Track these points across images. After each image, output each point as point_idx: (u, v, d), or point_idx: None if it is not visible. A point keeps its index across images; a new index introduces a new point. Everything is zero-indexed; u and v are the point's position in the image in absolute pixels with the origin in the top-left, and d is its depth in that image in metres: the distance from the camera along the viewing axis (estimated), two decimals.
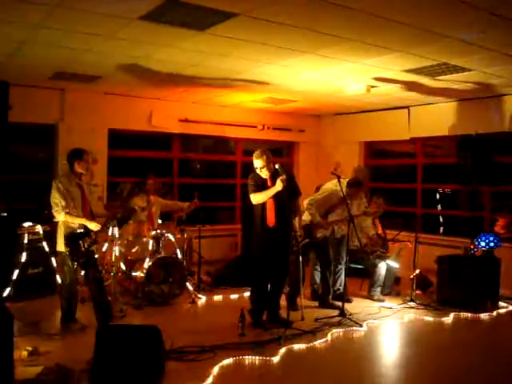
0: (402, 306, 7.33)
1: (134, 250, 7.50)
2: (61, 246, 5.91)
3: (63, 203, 5.78)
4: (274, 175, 6.16)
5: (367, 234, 8.09)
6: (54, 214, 5.85)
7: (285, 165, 6.44)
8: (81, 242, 5.75)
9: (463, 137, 8.63)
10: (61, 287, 6.24)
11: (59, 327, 5.99)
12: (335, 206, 7.27)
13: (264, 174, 6.19)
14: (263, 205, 6.18)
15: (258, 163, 6.17)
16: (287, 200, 6.07)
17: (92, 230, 5.86)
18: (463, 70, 6.82)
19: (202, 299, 7.60)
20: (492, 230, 8.56)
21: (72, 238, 5.78)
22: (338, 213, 7.29)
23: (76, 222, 5.82)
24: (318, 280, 7.49)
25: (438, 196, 10.34)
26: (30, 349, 5.05)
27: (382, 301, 7.57)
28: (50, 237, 7.73)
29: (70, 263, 5.89)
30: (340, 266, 7.50)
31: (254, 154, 6.23)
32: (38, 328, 5.94)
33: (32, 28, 5.41)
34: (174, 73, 7.42)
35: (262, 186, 6.23)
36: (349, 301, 7.40)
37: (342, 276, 7.47)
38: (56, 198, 5.81)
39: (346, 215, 6.91)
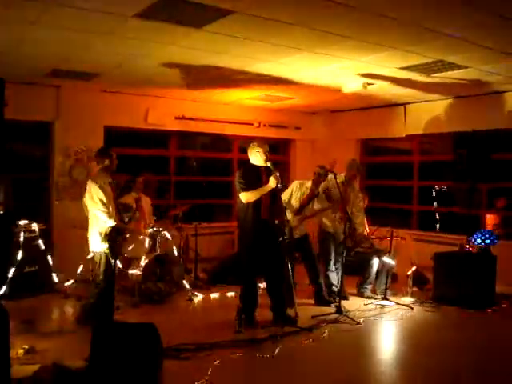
0: (399, 302, 7.34)
1: (130, 248, 7.48)
2: (96, 245, 5.85)
3: (108, 205, 5.73)
4: (267, 173, 6.15)
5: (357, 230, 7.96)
6: (104, 215, 5.73)
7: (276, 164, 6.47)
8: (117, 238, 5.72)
9: (459, 134, 8.64)
10: (96, 286, 6.02)
11: (56, 325, 5.98)
12: (308, 199, 7.28)
13: (263, 158, 6.19)
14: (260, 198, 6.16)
15: (261, 148, 6.20)
16: (277, 197, 6.18)
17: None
18: (459, 67, 6.83)
19: (199, 297, 7.60)
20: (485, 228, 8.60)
21: (113, 234, 5.70)
22: (310, 207, 7.32)
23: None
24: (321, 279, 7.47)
25: (433, 193, 10.37)
26: (27, 347, 5.04)
27: (372, 298, 7.57)
28: (46, 234, 7.75)
29: (108, 261, 5.78)
30: (337, 264, 7.49)
31: (256, 142, 6.31)
32: (34, 326, 5.92)
33: (28, 25, 5.38)
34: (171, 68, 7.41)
35: (256, 179, 6.17)
36: (345, 298, 7.39)
37: (339, 274, 7.45)
38: (103, 200, 5.72)
39: (319, 208, 7.29)
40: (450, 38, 5.58)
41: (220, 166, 11.47)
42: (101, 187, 5.75)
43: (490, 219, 9.08)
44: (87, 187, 5.91)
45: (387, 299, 7.40)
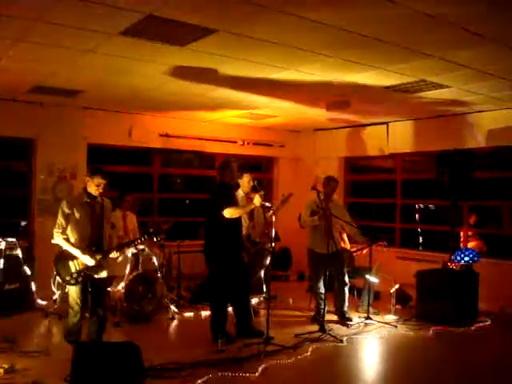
0: (382, 320, 7.35)
1: (112, 266, 7.39)
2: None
3: (64, 225, 5.49)
4: (252, 191, 6.24)
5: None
6: (54, 234, 5.53)
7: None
8: (71, 262, 5.42)
9: (442, 153, 8.72)
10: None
11: (37, 344, 5.90)
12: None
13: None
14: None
15: (247, 177, 6.54)
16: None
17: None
18: (441, 86, 6.91)
19: (182, 315, 7.54)
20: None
21: (60, 257, 5.49)
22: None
23: (69, 250, 5.45)
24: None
25: (417, 210, 10.46)
26: (7, 366, 4.97)
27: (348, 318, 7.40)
28: (28, 252, 7.66)
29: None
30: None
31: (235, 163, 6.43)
32: (14, 345, 5.82)
33: (12, 42, 5.37)
34: (154, 87, 7.41)
35: (231, 196, 6.28)
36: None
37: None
38: (58, 219, 5.51)
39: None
40: (431, 58, 5.65)
41: (204, 183, 11.42)
42: (61, 209, 5.51)
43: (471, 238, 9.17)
44: None
45: (370, 317, 7.39)
